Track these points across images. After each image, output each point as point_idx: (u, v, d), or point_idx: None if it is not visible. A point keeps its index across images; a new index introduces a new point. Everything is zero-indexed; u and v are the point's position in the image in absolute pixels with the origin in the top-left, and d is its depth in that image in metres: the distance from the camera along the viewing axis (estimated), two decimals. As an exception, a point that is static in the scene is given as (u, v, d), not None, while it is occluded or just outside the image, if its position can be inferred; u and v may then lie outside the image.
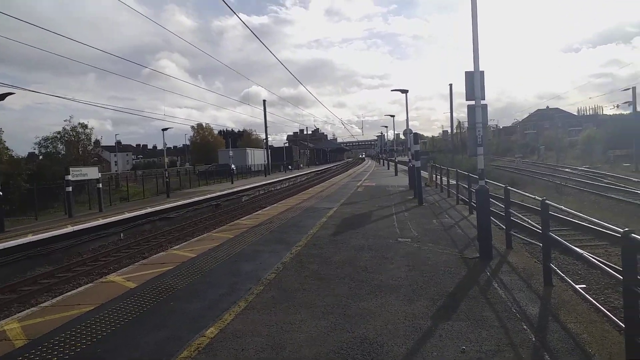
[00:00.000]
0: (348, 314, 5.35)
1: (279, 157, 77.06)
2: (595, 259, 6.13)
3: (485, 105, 7.80)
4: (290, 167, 73.94)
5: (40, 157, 39.57)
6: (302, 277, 7.13)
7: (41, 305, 6.76)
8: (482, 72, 7.63)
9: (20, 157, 36.51)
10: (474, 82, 7.54)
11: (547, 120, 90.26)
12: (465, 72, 7.68)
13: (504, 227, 8.84)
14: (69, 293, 7.36)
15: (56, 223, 18.51)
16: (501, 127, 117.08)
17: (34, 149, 40.17)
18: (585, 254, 5.29)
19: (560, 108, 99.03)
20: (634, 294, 3.46)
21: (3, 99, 18.07)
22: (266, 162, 58.80)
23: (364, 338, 4.61)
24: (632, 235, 3.44)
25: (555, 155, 53.79)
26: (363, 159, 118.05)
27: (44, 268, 13.30)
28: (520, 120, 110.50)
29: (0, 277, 12.26)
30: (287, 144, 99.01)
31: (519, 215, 10.65)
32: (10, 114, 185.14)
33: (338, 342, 4.55)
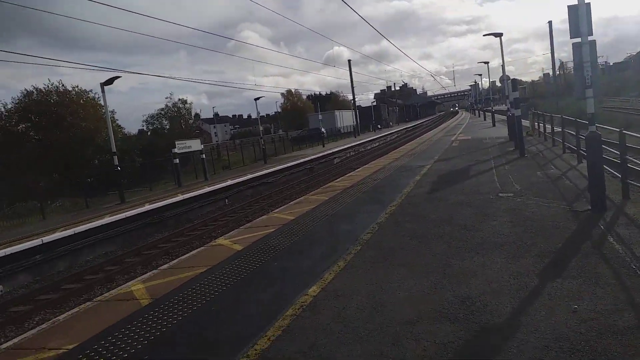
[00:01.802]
0: (448, 273, 5.27)
1: (368, 117, 76.16)
2: None
3: (594, 42, 6.98)
4: (379, 126, 72.97)
5: (149, 133, 43.06)
6: (399, 236, 7.13)
7: (161, 267, 7.52)
8: (589, 4, 6.80)
9: (132, 134, 40.13)
10: (579, 16, 6.75)
11: (669, 50, 78.77)
12: (568, 6, 6.90)
13: (619, 175, 8.02)
14: (183, 257, 8.09)
15: (168, 192, 20.23)
16: (611, 64, 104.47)
17: (143, 126, 43.84)
18: None
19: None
20: None
21: (112, 83, 19.72)
22: (355, 123, 58.58)
23: (466, 297, 4.53)
24: None
25: (681, 90, 47.08)
26: (456, 112, 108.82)
27: (162, 234, 14.72)
28: (633, 54, 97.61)
29: (125, 243, 13.83)
30: (374, 103, 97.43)
31: (637, 162, 9.51)
32: (118, 96, 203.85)
33: (439, 301, 4.52)
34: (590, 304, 4.07)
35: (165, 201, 16.80)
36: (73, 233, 12.87)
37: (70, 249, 12.62)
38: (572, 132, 13.07)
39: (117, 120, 33.98)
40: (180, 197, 17.47)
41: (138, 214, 15.31)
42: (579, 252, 5.46)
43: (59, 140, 28.85)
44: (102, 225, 13.84)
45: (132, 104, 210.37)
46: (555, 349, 3.40)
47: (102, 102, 22.87)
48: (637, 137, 9.17)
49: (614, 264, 4.96)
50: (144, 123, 42.17)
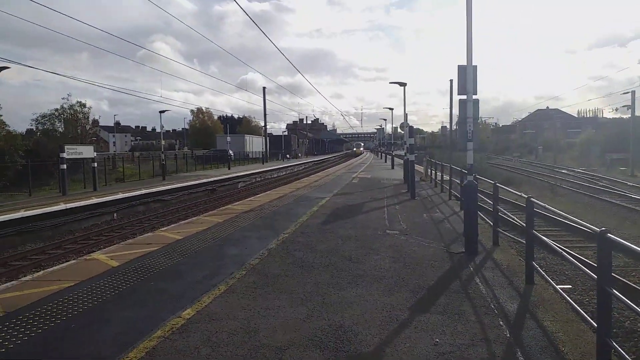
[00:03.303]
0: (326, 302, 5.35)
1: (278, 146, 76.93)
2: (575, 258, 6.14)
3: (477, 100, 7.76)
4: (288, 155, 73.83)
5: (38, 134, 39.33)
6: (286, 263, 7.12)
7: (21, 279, 6.75)
8: (475, 67, 7.58)
9: (18, 132, 36.29)
10: (466, 76, 7.49)
11: (546, 120, 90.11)
12: (458, 65, 7.64)
13: (492, 223, 8.83)
14: (50, 269, 7.38)
15: (49, 200, 18.45)
16: (500, 126, 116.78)
17: (32, 126, 39.91)
18: (565, 252, 5.28)
19: (560, 109, 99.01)
20: (606, 294, 3.45)
21: (-1, 73, 17.92)
22: (264, 149, 58.67)
23: (339, 326, 4.61)
24: (608, 235, 3.41)
25: (553, 156, 53.72)
26: (361, 152, 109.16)
27: (35, 244, 13.30)
28: (519, 119, 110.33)
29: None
30: (286, 133, 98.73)
31: (508, 213, 10.67)
32: (7, 89, 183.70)
33: (313, 329, 4.55)
34: (450, 338, 4.34)
35: (45, 209, 15.28)
36: None
37: None
38: (458, 181, 14.23)
39: (1, 115, 30.63)
40: (62, 207, 16.00)
41: (10, 220, 13.73)
42: (448, 290, 5.85)
43: None
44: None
45: (22, 100, 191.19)
46: (412, 380, 3.54)
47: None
48: (510, 192, 10.25)
49: (477, 302, 5.36)
50: (34, 122, 38.39)
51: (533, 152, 68.21)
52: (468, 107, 7.57)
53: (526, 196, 6.36)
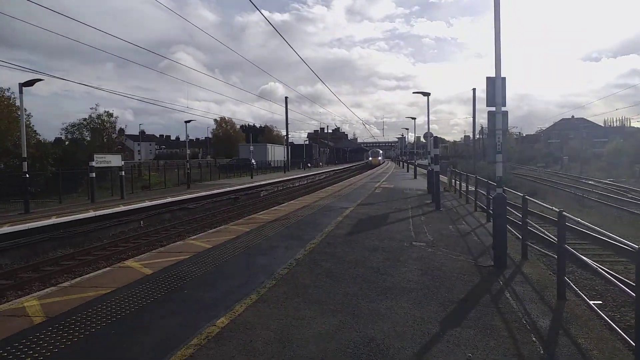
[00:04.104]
0: (357, 313, 5.40)
1: (299, 154, 77.33)
2: (609, 273, 6.05)
3: (506, 112, 7.75)
4: (309, 164, 74.17)
5: (67, 142, 40.45)
6: (314, 274, 7.20)
7: (61, 285, 6.98)
8: (504, 79, 7.58)
9: (47, 141, 37.37)
10: (495, 88, 7.49)
11: (571, 130, 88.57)
12: (487, 77, 7.65)
13: (521, 237, 8.76)
14: (87, 275, 7.59)
15: (79, 207, 18.96)
16: (524, 135, 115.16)
17: (61, 135, 41.09)
18: (599, 267, 5.23)
19: (586, 118, 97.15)
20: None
21: (32, 85, 18.50)
22: (286, 158, 59.06)
23: (371, 338, 4.65)
24: (647, 252, 3.40)
25: (579, 166, 52.64)
26: (378, 162, 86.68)
27: (66, 250, 13.68)
28: (543, 129, 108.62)
29: (23, 257, 12.67)
30: (307, 142, 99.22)
31: (537, 225, 10.54)
32: (38, 99, 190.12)
33: (345, 340, 4.61)
34: (483, 354, 4.34)
35: (75, 216, 15.72)
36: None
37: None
38: (484, 192, 14.12)
39: (32, 125, 31.62)
40: (91, 214, 16.44)
41: (43, 226, 14.17)
42: (479, 303, 5.83)
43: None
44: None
45: (52, 110, 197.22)
46: (447, 394, 3.57)
47: (18, 104, 21.26)
48: (538, 204, 10.14)
49: (508, 317, 5.35)
50: (63, 131, 39.57)
51: (558, 162, 67.03)
52: (497, 119, 7.57)
53: (557, 210, 6.32)
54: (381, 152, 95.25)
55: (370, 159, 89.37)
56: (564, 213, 6.08)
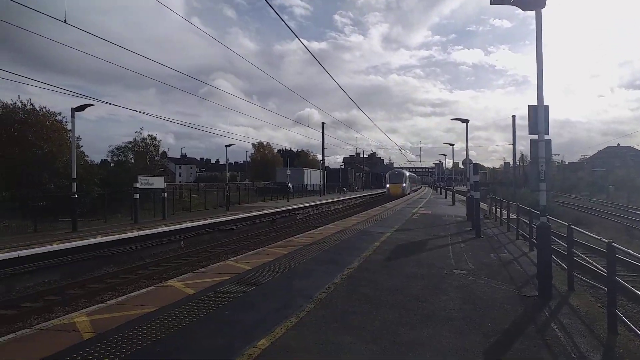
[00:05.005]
0: (397, 341, 5.34)
1: (335, 179, 77.63)
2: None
3: (549, 140, 7.61)
4: (345, 189, 74.16)
5: (112, 164, 42.18)
6: (353, 299, 7.18)
7: (107, 302, 7.24)
8: (546, 107, 7.48)
9: (94, 163, 39.09)
10: (538, 116, 7.39)
11: (617, 158, 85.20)
12: (529, 105, 7.56)
13: (566, 267, 8.46)
14: (132, 294, 7.84)
15: (123, 227, 19.64)
16: (567, 163, 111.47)
17: (107, 157, 42.91)
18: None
19: (633, 147, 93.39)
20: None
21: (83, 110, 19.54)
22: (322, 182, 59.34)
23: (412, 366, 4.60)
24: None
25: (627, 195, 50.33)
26: (401, 192, 56.12)
27: (110, 268, 14.17)
28: (587, 156, 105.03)
29: (70, 274, 13.20)
30: (342, 166, 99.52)
31: (583, 256, 10.16)
32: (86, 123, 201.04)
33: (386, 367, 4.57)
34: (529, 387, 4.21)
35: (119, 235, 16.29)
36: (17, 256, 12.22)
37: (8, 273, 11.93)
38: (525, 220, 13.74)
39: (81, 147, 33.26)
40: (135, 234, 16.99)
41: (88, 245, 14.76)
42: (523, 335, 5.66)
43: (16, 157, 27.80)
44: (49, 252, 13.21)
45: (98, 133, 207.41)
46: None
47: (69, 127, 22.42)
48: (585, 234, 9.79)
49: (556, 350, 5.16)
50: (109, 154, 41.39)
51: (603, 191, 64.29)
52: (540, 147, 7.45)
53: (606, 240, 6.11)
54: (407, 174, 62.54)
55: (387, 185, 59.88)
56: (613, 244, 5.87)
